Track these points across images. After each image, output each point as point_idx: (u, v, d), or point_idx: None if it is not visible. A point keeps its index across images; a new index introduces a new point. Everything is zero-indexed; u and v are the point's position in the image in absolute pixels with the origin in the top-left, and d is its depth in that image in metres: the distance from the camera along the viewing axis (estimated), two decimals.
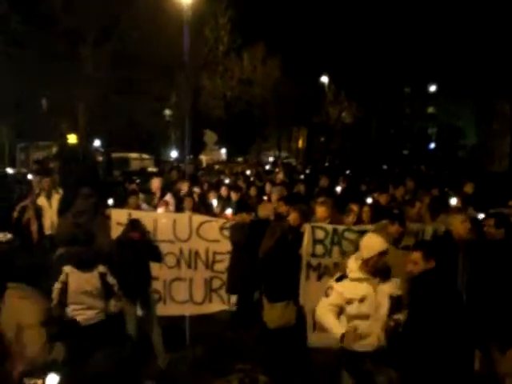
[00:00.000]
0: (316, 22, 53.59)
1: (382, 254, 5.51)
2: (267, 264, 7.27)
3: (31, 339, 4.88)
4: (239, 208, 9.42)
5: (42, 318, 4.93)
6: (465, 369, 5.25)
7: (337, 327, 5.53)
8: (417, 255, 5.39)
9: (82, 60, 26.48)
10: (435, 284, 5.29)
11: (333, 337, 5.63)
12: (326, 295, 5.80)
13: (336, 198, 12.23)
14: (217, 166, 32.34)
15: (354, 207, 9.78)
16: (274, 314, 6.99)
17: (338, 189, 14.73)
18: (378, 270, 5.51)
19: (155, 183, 11.95)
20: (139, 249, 7.67)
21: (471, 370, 5.46)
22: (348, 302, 5.53)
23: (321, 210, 8.71)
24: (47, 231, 11.90)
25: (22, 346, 4.87)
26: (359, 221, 9.07)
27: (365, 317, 5.46)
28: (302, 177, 21.82)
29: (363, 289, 5.50)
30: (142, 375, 7.16)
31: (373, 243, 5.60)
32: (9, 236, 8.43)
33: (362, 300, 5.46)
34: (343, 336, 5.41)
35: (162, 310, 8.72)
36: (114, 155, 35.90)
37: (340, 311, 5.60)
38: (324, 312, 5.68)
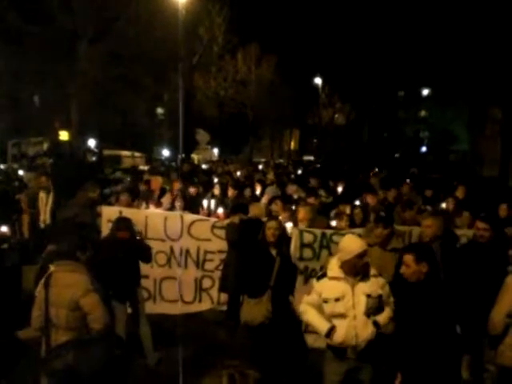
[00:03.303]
0: (311, 23, 53.80)
1: (360, 256, 5.49)
2: (247, 260, 7.28)
3: (92, 304, 5.37)
4: (235, 209, 9.42)
5: (93, 285, 5.43)
6: (452, 374, 5.30)
7: (322, 323, 5.58)
8: (409, 258, 5.38)
9: (77, 57, 26.38)
10: (433, 291, 5.31)
11: (319, 334, 5.71)
12: (308, 293, 5.86)
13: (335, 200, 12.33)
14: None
15: (346, 210, 9.84)
16: (244, 309, 7.00)
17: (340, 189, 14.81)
18: (358, 270, 5.52)
19: (156, 182, 11.89)
20: (128, 248, 7.60)
21: (459, 377, 5.51)
22: (324, 301, 5.56)
23: (302, 212, 8.82)
24: (42, 225, 11.98)
25: (83, 314, 5.37)
26: (352, 223, 9.11)
27: (340, 315, 5.47)
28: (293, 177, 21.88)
29: (340, 288, 5.51)
30: (130, 374, 7.13)
31: (350, 246, 5.59)
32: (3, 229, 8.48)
33: (337, 300, 5.47)
34: (329, 331, 5.47)
35: (152, 308, 8.72)
36: (106, 153, 35.84)
37: (319, 309, 5.65)
38: (306, 309, 5.74)
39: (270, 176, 18.26)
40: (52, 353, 5.34)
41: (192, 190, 12.81)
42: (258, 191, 13.82)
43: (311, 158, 58.91)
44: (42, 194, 12.26)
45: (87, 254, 5.77)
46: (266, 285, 6.87)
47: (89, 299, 5.36)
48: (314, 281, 5.87)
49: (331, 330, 5.47)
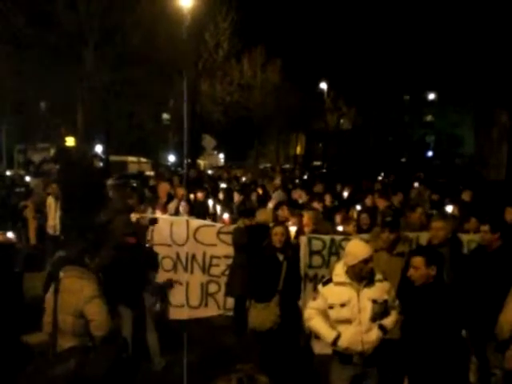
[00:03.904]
0: (316, 28, 53.81)
1: (366, 261, 5.45)
2: (254, 264, 7.29)
3: (95, 311, 5.34)
4: (241, 214, 9.41)
5: (99, 292, 5.42)
6: (460, 378, 5.28)
7: (328, 331, 5.55)
8: (419, 260, 5.36)
9: (83, 62, 26.48)
10: (442, 293, 5.31)
11: (324, 341, 5.67)
12: (313, 299, 5.84)
13: (341, 204, 12.32)
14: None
15: (354, 215, 9.81)
16: (252, 314, 6.99)
17: (345, 194, 14.78)
18: (363, 275, 5.48)
19: (163, 188, 11.90)
20: (134, 253, 7.60)
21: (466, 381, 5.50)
22: (330, 307, 5.52)
23: (306, 216, 8.90)
24: (50, 231, 11.99)
25: (87, 321, 5.34)
26: (359, 228, 9.09)
27: (346, 321, 5.43)
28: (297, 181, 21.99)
29: (346, 293, 5.47)
30: (136, 378, 7.13)
31: (356, 250, 5.56)
32: (10, 235, 8.50)
33: (342, 305, 5.43)
34: (335, 340, 5.44)
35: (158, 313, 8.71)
36: (112, 158, 35.94)
37: (325, 314, 5.61)
38: (311, 316, 5.71)
39: (277, 181, 18.32)
40: (55, 358, 5.36)
41: (200, 195, 12.82)
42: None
43: (319, 163, 58.77)
44: (50, 200, 12.28)
45: (97, 260, 5.77)
46: (274, 289, 6.87)
47: (92, 306, 5.35)
48: (319, 286, 5.84)
49: (337, 339, 5.45)
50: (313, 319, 5.69)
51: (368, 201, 11.98)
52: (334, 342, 5.45)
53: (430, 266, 5.31)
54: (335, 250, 8.04)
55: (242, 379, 2.43)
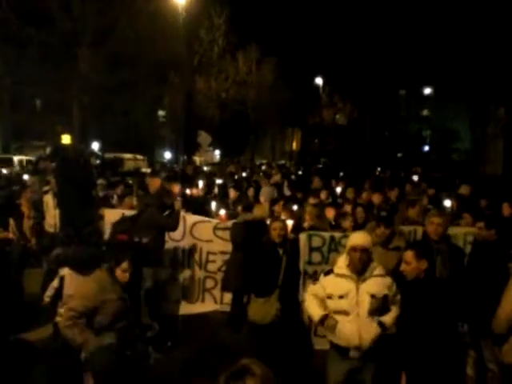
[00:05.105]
0: (311, 23, 53.76)
1: (356, 249, 5.46)
2: (254, 260, 7.29)
3: (64, 311, 5.45)
4: (245, 209, 9.42)
5: (85, 301, 5.44)
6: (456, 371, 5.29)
7: (317, 312, 5.58)
8: (409, 255, 5.39)
9: (79, 61, 26.46)
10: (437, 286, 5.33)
11: (313, 321, 5.74)
12: (313, 283, 5.91)
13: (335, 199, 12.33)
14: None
15: (349, 210, 9.81)
16: (252, 309, 7.00)
17: (338, 190, 14.74)
18: (355, 266, 5.47)
19: (155, 183, 11.86)
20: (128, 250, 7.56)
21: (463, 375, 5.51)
22: (328, 297, 5.54)
23: (307, 210, 8.89)
24: (49, 229, 11.91)
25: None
26: (355, 223, 9.09)
27: (344, 312, 5.42)
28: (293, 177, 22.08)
29: (345, 285, 5.48)
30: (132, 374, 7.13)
31: (351, 238, 5.66)
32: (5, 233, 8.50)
33: (341, 297, 5.44)
34: (322, 319, 5.47)
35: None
36: (108, 156, 35.85)
37: (323, 302, 5.63)
38: (309, 301, 5.74)
39: (277, 177, 18.43)
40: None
41: (195, 191, 12.82)
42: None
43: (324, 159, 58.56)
44: (48, 198, 12.15)
45: (118, 270, 5.78)
46: (275, 284, 6.88)
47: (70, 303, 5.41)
48: (321, 276, 5.85)
49: (324, 319, 5.46)
50: (307, 300, 5.76)
51: (349, 195, 12.08)
52: (322, 322, 5.49)
53: (421, 260, 5.34)
54: (335, 247, 8.04)
55: (236, 372, 2.44)
